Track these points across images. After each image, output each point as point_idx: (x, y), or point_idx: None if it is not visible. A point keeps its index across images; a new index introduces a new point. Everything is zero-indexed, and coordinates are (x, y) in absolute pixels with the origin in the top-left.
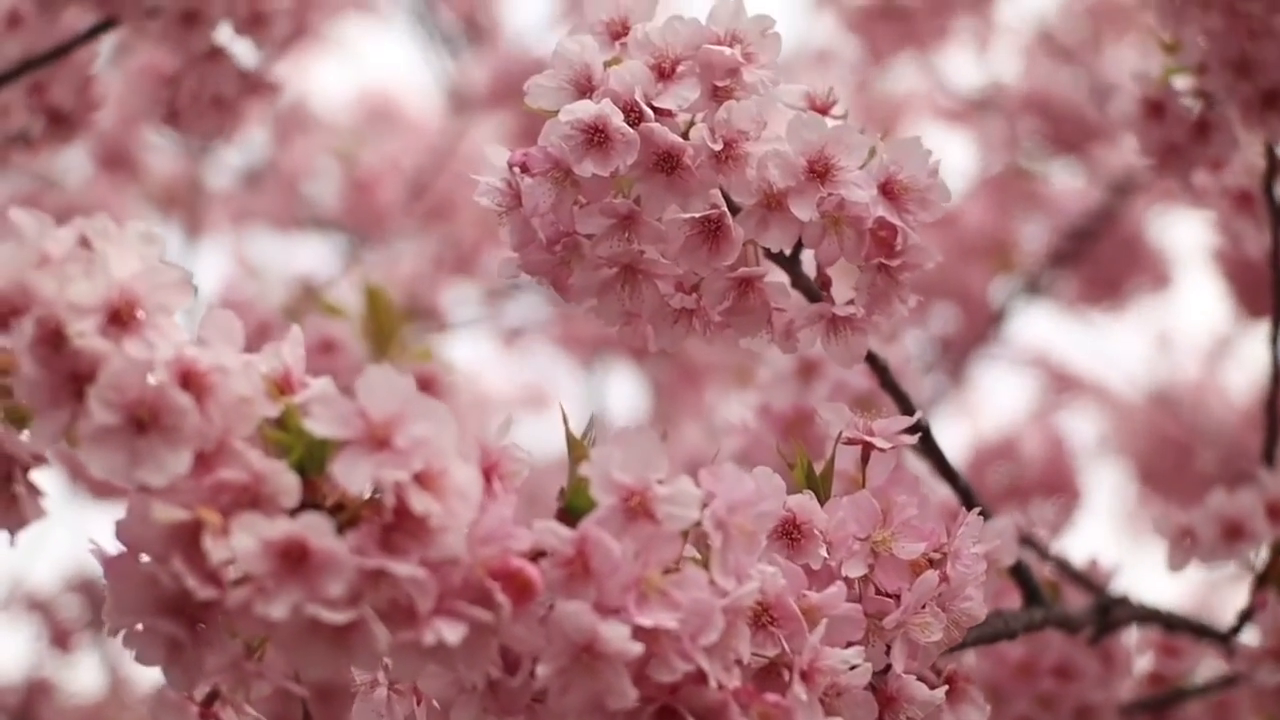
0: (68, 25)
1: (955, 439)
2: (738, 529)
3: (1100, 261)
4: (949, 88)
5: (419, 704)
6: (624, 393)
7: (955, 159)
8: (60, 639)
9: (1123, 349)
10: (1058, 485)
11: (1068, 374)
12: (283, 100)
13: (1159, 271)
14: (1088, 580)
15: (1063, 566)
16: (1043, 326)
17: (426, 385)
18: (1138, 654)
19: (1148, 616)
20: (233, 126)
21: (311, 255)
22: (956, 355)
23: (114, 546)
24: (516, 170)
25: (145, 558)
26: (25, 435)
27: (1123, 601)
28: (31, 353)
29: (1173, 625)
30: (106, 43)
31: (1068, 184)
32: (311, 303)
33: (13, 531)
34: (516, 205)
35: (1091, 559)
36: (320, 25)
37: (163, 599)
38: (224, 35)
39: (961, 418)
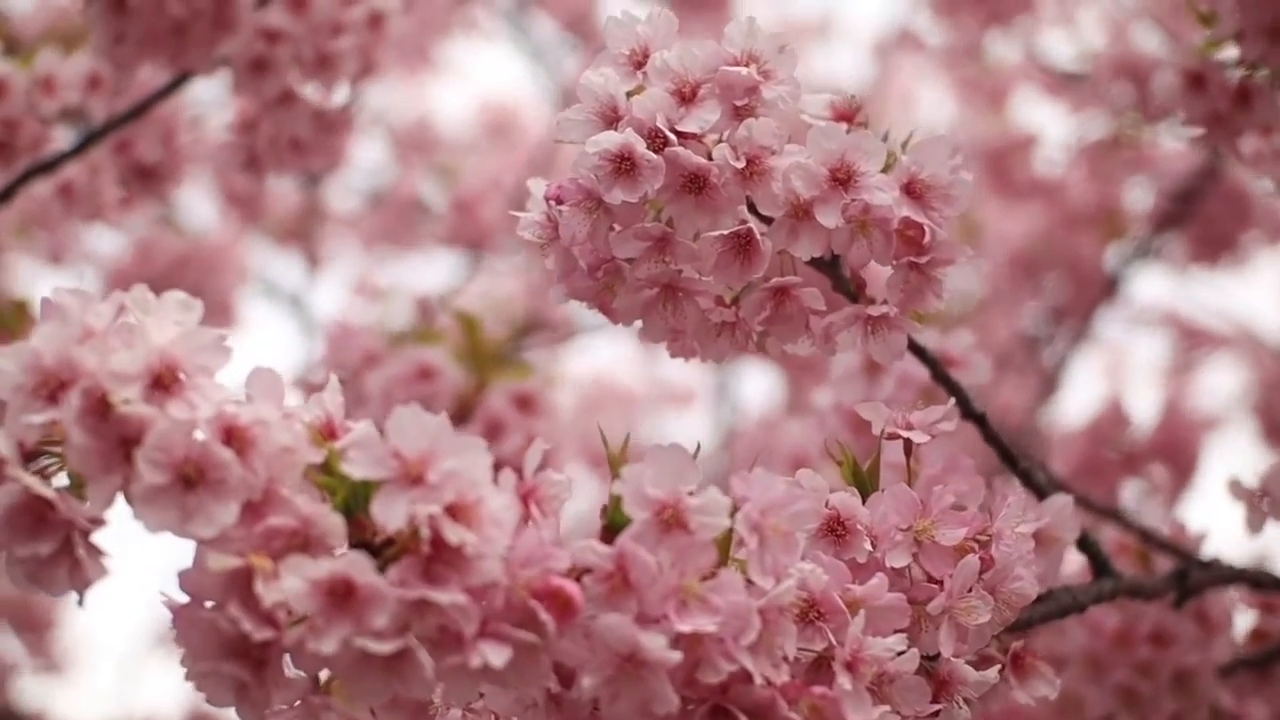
0: (147, 84)
1: (1089, 398)
2: (773, 530)
3: (1209, 219)
4: (1044, 61)
5: None
6: (757, 385)
7: (1056, 130)
8: None
9: (1252, 304)
10: (1175, 452)
11: (1199, 330)
12: (403, 122)
13: (1274, 222)
14: (1174, 547)
15: (1147, 535)
16: (1162, 290)
17: (525, 404)
18: (1236, 613)
19: (1230, 578)
20: (320, 164)
21: (434, 274)
22: (1078, 318)
23: (180, 596)
24: (552, 203)
25: (208, 604)
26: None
27: (1205, 565)
28: (80, 423)
29: (1259, 584)
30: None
31: (1169, 145)
32: (429, 322)
33: (80, 592)
34: (556, 236)
35: (1176, 524)
36: (428, 47)
37: (226, 643)
38: (294, 80)
39: (1094, 375)
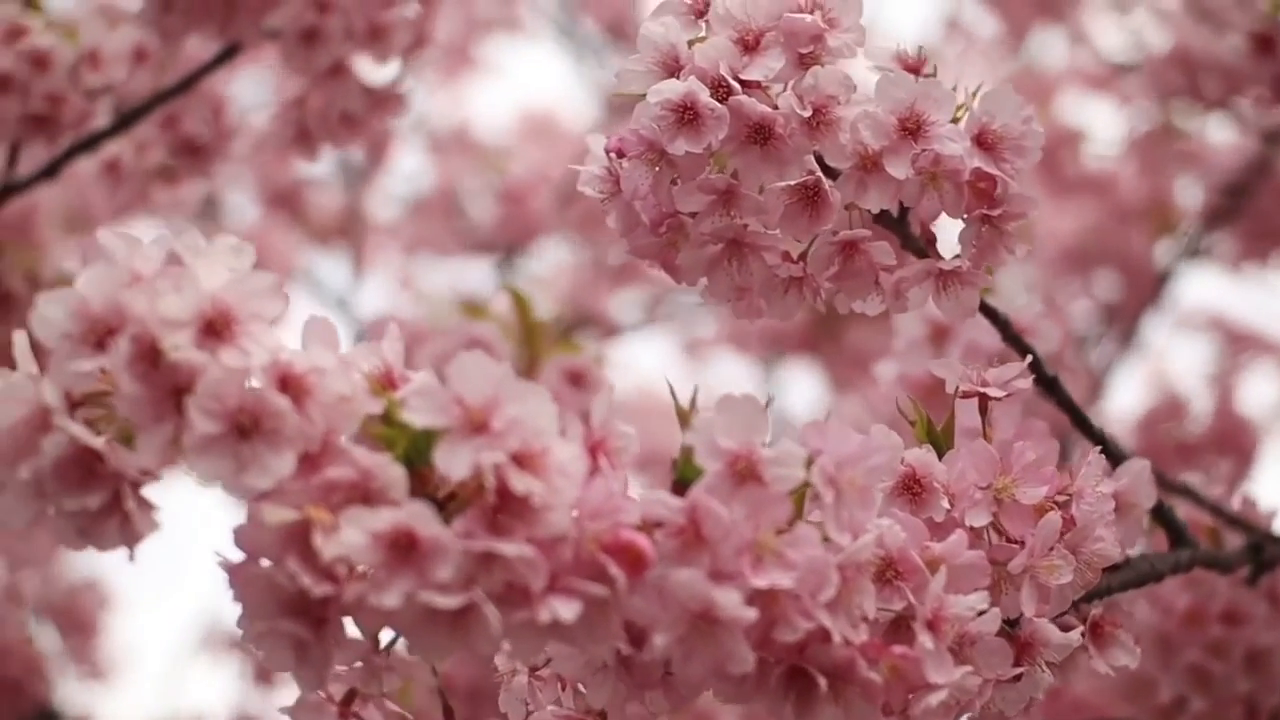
0: (193, 56)
1: (1132, 404)
2: (848, 484)
3: (1261, 214)
4: (1094, 53)
5: (563, 689)
6: (800, 387)
7: (1105, 123)
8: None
9: None
10: (1230, 444)
11: (1246, 333)
12: (443, 126)
13: None
14: (1245, 522)
15: (1218, 510)
16: (1212, 287)
17: (576, 379)
18: None
19: None
20: (364, 140)
21: (475, 276)
22: (1125, 321)
23: (235, 554)
24: (613, 156)
25: (264, 562)
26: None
27: (1278, 540)
28: (130, 370)
29: None
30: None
31: (1221, 139)
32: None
33: (129, 546)
34: (618, 191)
35: (1246, 499)
36: (471, 48)
37: (284, 600)
38: (345, 51)
39: (1138, 382)
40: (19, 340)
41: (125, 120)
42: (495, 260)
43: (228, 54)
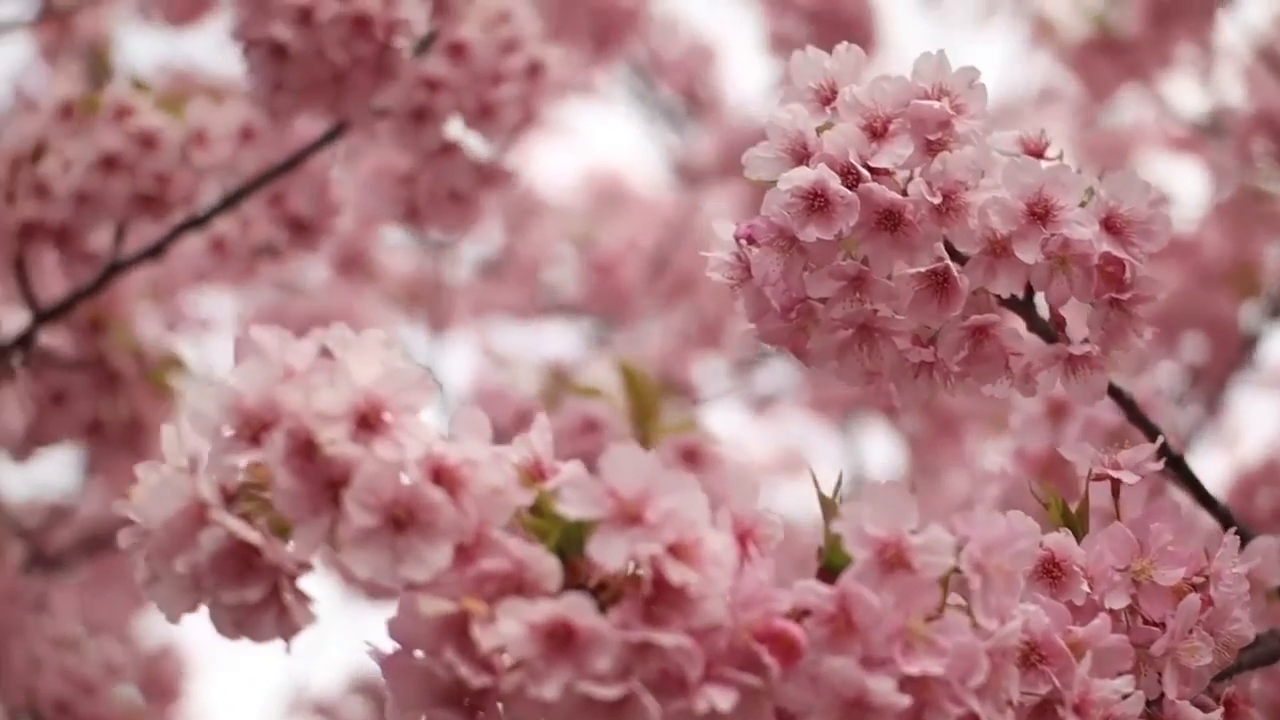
0: (300, 133)
1: (1217, 468)
2: (996, 570)
3: None
4: (1175, 115)
5: None
6: (879, 450)
7: (1188, 186)
8: None
9: None
10: None
11: None
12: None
13: None
14: None
15: None
16: None
17: (690, 457)
18: None
19: None
20: (473, 219)
21: (556, 341)
22: (1211, 385)
23: (388, 645)
24: (744, 242)
25: (419, 653)
26: (289, 545)
27: None
28: (286, 464)
29: None
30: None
31: None
32: (563, 388)
33: (286, 639)
34: (748, 277)
35: None
36: (544, 111)
37: (440, 691)
38: (454, 129)
39: (1222, 446)
40: (168, 434)
41: (232, 199)
42: (582, 328)
43: (335, 132)
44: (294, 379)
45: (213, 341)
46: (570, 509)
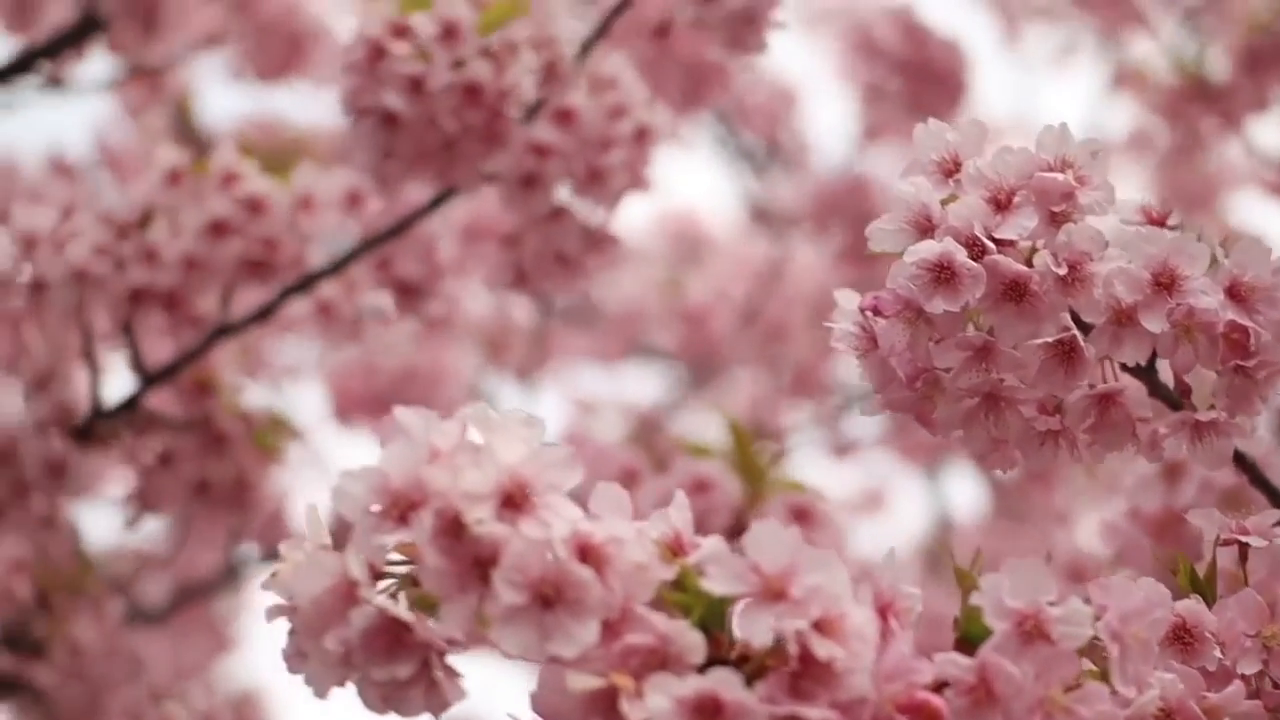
0: (406, 197)
1: None
2: (1133, 639)
3: None
4: (1268, 159)
5: None
6: (964, 493)
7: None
8: None
9: None
10: None
11: None
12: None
13: None
14: None
15: None
16: None
17: (801, 516)
18: None
19: None
20: (580, 281)
21: (643, 387)
22: None
23: (531, 718)
24: (869, 314)
25: None
26: (436, 621)
27: None
28: (434, 544)
29: None
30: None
31: None
32: (653, 437)
33: (435, 714)
34: (873, 347)
35: None
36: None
37: None
38: (562, 193)
39: None
40: (311, 513)
41: (339, 263)
42: (670, 375)
43: (443, 197)
44: (440, 460)
45: (294, 389)
46: (715, 585)
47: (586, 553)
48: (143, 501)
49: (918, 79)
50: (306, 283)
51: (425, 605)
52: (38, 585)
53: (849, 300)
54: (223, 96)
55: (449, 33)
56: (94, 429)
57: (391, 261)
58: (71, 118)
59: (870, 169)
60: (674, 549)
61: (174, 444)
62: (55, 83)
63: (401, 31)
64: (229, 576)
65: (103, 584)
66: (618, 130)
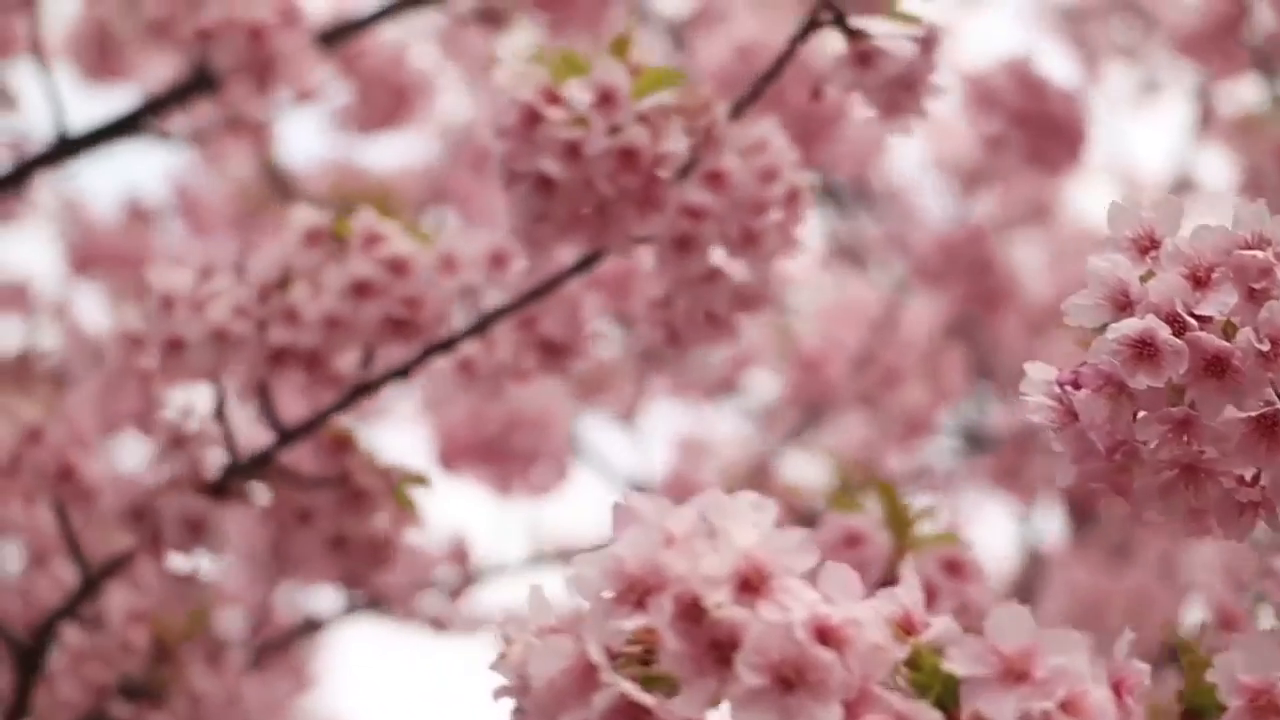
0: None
1: None
2: None
3: None
4: None
5: None
6: (1054, 529)
7: None
8: None
9: None
10: None
11: None
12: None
13: None
14: None
15: None
16: None
17: (954, 570)
18: None
19: None
20: (729, 339)
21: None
22: None
23: None
24: (1068, 388)
25: None
26: (675, 703)
27: None
28: (674, 627)
29: None
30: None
31: None
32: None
33: None
34: (1071, 421)
35: None
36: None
37: None
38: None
39: None
40: (536, 595)
41: (483, 323)
42: (779, 418)
43: (590, 260)
44: (676, 545)
45: (389, 430)
46: (957, 667)
47: (825, 635)
48: (280, 558)
49: (1037, 130)
50: (449, 343)
51: (652, 684)
52: (156, 635)
53: (1042, 373)
54: (296, 139)
55: (606, 99)
56: (227, 486)
57: (536, 320)
58: (142, 160)
59: (983, 219)
60: (905, 628)
61: (312, 501)
62: (163, 137)
63: (555, 97)
64: (311, 622)
65: (221, 632)
66: (770, 193)
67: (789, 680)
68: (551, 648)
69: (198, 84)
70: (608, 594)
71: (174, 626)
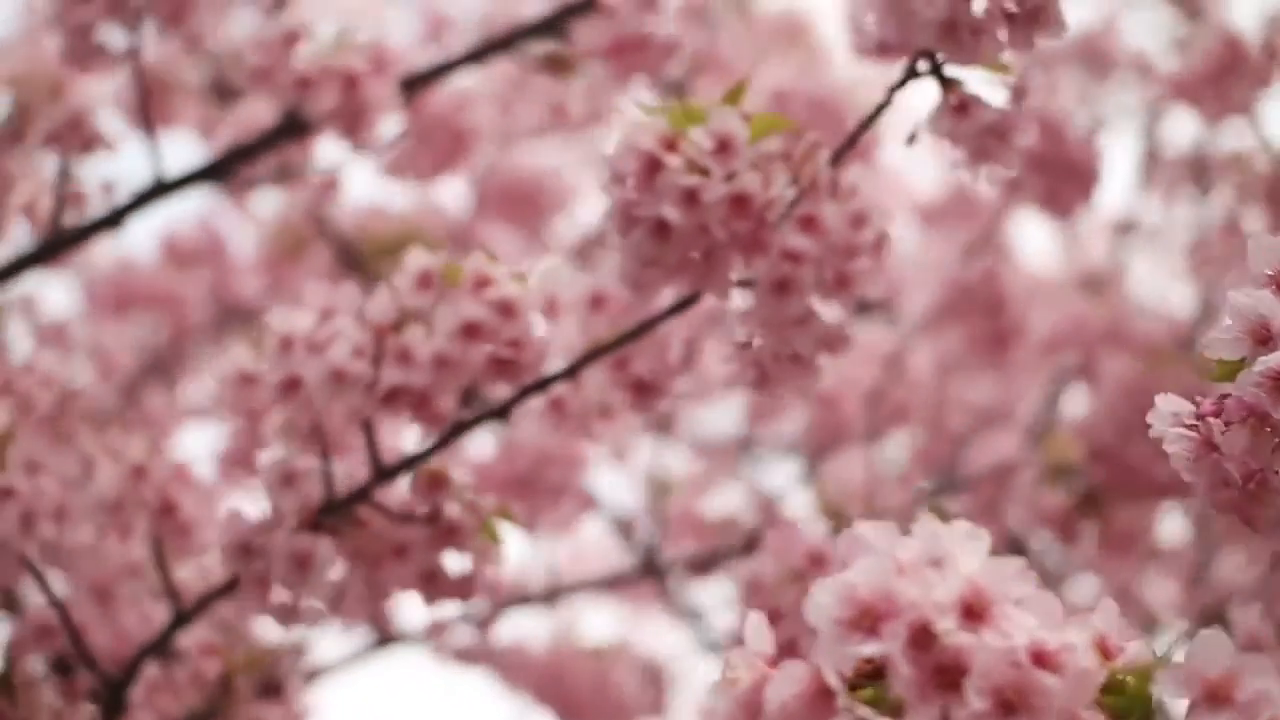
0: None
1: None
2: None
3: None
4: None
5: None
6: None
7: None
8: None
9: None
10: None
11: None
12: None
13: None
14: None
15: None
16: None
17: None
18: None
19: None
20: (812, 380)
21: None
22: None
23: None
24: (1208, 419)
25: None
26: None
27: None
28: (905, 653)
29: None
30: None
31: None
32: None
33: None
34: (1207, 451)
35: None
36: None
37: None
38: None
39: None
40: (754, 623)
41: (579, 364)
42: (788, 456)
43: (688, 301)
44: (907, 573)
45: None
46: (1165, 693)
47: (1043, 659)
48: (374, 592)
49: (1053, 174)
50: (546, 383)
51: (882, 705)
52: (226, 668)
53: (1173, 405)
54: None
55: (724, 146)
56: (325, 522)
57: (629, 360)
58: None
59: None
60: (1103, 652)
61: (406, 535)
62: (247, 184)
63: (674, 145)
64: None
65: (288, 666)
66: (861, 238)
67: (1011, 704)
68: (787, 674)
69: (287, 130)
70: (842, 620)
71: (234, 659)
